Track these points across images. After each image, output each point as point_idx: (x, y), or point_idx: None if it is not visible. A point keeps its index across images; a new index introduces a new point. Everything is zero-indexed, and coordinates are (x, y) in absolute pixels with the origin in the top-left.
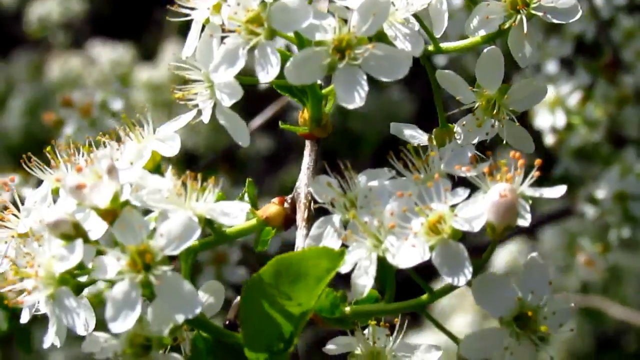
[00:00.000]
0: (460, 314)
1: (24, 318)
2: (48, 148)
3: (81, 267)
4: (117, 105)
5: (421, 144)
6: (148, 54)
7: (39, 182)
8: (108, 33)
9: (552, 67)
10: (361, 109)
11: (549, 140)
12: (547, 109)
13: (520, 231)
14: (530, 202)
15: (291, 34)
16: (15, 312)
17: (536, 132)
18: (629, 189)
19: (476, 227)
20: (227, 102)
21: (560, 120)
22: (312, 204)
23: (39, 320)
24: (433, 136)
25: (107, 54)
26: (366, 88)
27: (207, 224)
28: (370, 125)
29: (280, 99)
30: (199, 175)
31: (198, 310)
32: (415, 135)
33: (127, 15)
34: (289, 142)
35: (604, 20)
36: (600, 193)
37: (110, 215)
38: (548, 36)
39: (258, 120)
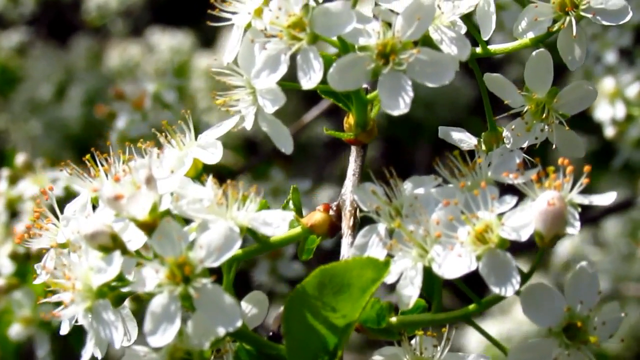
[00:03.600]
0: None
1: (64, 330)
2: (87, 156)
3: (121, 279)
4: (170, 97)
5: (469, 148)
6: (207, 41)
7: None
8: (166, 20)
9: (611, 57)
10: (422, 95)
11: (609, 132)
12: (606, 101)
13: (583, 221)
14: (580, 209)
15: (334, 39)
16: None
17: (596, 124)
18: None
19: (524, 236)
20: (270, 108)
21: (620, 111)
22: (357, 211)
23: None
24: (482, 140)
25: (166, 41)
26: (411, 94)
27: (250, 232)
28: (431, 111)
29: None
30: (241, 184)
31: (239, 324)
32: (464, 139)
33: (185, 2)
34: None
35: None
36: None
37: (149, 226)
38: (607, 27)
39: (314, 112)
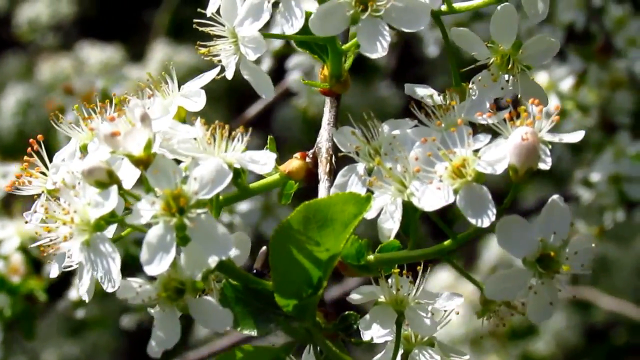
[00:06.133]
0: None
1: (54, 273)
2: (76, 106)
3: (113, 215)
4: (118, 92)
5: (435, 104)
6: (136, 55)
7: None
8: (96, 35)
9: None
10: (349, 104)
11: None
12: None
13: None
14: (550, 146)
15: None
16: (18, 298)
17: None
18: (624, 171)
19: (499, 169)
20: (252, 56)
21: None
22: (333, 158)
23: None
24: (447, 95)
25: (96, 55)
26: (388, 39)
27: (233, 176)
28: (358, 120)
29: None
30: (227, 126)
31: (231, 252)
32: (429, 94)
33: (114, 17)
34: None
35: (595, 8)
36: (595, 176)
37: (144, 162)
38: (539, 25)
39: (252, 111)
